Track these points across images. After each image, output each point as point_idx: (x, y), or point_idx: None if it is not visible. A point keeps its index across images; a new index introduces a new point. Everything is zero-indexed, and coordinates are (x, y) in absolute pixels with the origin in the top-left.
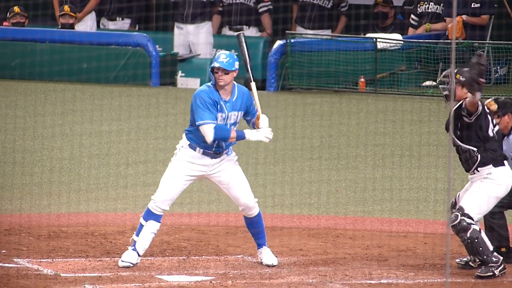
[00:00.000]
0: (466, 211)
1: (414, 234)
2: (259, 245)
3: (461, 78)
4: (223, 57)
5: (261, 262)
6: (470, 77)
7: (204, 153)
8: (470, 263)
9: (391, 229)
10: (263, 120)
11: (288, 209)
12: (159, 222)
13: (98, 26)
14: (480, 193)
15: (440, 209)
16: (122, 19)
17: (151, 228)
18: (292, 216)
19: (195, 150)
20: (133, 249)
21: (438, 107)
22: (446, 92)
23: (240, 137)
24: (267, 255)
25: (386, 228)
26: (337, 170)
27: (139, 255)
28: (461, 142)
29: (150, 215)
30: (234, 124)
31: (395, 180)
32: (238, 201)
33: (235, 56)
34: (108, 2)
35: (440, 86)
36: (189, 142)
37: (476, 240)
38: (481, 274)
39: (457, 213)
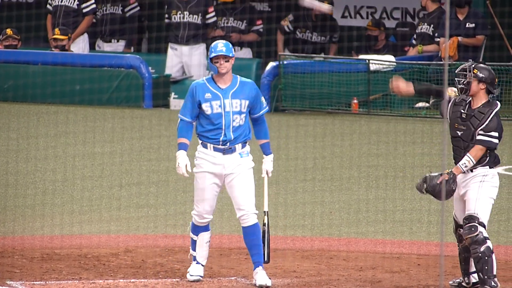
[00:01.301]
0: (481, 220)
1: (408, 256)
2: (255, 264)
3: (479, 74)
4: (221, 45)
5: (255, 284)
6: (488, 75)
7: (215, 149)
8: (463, 283)
9: (385, 251)
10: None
11: (282, 230)
12: (209, 230)
13: (93, 47)
14: (484, 196)
15: (433, 230)
16: (117, 41)
17: (204, 239)
18: (285, 238)
19: (207, 148)
20: (196, 263)
21: (431, 128)
22: (461, 86)
23: (178, 147)
24: (261, 276)
25: (380, 250)
26: (330, 192)
27: (203, 266)
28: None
29: (198, 229)
30: (239, 113)
31: (389, 201)
32: (239, 204)
33: (231, 45)
34: (103, 24)
35: (455, 78)
36: (201, 141)
37: (486, 258)
38: None
39: (476, 224)
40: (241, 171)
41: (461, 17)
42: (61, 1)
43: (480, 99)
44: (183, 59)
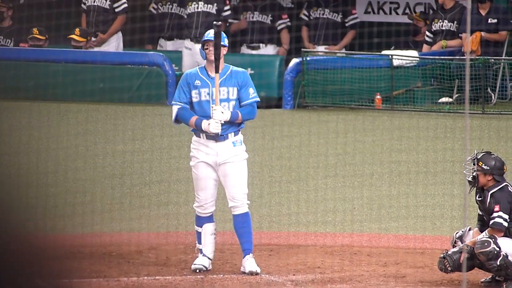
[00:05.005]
0: (498, 240)
1: (431, 251)
2: (245, 252)
3: (484, 166)
4: (212, 32)
5: (244, 271)
6: (494, 165)
7: (207, 137)
8: (497, 278)
9: (408, 246)
10: (216, 113)
11: (305, 227)
12: (213, 221)
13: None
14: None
15: (457, 225)
16: (180, 39)
17: (208, 231)
18: (309, 234)
19: (200, 137)
20: (203, 255)
21: (454, 123)
22: (469, 178)
23: (198, 125)
24: (250, 263)
25: (403, 245)
26: (353, 188)
27: (210, 259)
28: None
29: (202, 220)
30: (227, 101)
31: (412, 197)
32: (228, 192)
33: (225, 34)
34: (166, 23)
35: (464, 171)
36: (194, 132)
37: (505, 265)
38: None
39: (490, 240)
40: (235, 161)
41: (483, 12)
42: (94, 1)
43: (488, 186)
44: (196, 57)
